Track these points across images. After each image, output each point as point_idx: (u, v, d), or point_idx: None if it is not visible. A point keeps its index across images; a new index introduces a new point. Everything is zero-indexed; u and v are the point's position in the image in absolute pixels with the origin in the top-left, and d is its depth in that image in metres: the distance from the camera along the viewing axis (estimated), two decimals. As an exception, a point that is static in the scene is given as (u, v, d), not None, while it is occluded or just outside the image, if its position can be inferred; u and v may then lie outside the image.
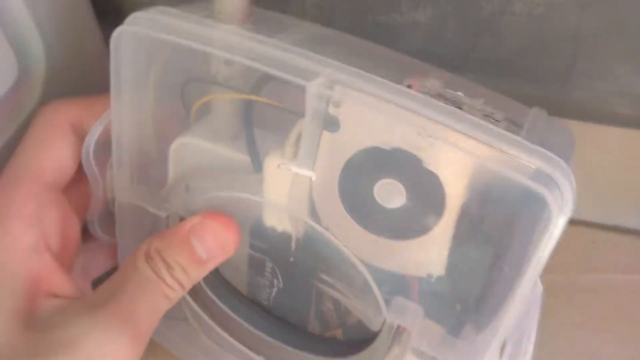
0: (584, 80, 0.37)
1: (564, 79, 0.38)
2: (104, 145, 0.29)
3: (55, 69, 0.30)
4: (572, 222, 0.41)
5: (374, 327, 0.26)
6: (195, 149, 0.28)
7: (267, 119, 0.27)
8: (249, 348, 0.30)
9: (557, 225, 0.20)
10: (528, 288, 0.21)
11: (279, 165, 0.24)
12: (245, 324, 0.30)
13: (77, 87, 0.31)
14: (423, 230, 0.24)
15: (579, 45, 0.36)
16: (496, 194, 0.21)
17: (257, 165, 0.27)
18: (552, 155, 0.20)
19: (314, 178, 0.24)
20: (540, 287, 0.23)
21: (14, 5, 0.28)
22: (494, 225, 0.21)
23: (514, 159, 0.20)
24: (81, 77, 0.33)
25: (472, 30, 0.37)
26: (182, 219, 0.29)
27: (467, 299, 0.24)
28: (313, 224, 0.25)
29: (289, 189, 0.24)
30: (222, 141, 0.28)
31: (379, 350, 0.26)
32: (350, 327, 0.29)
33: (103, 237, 0.31)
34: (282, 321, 0.30)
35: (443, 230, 0.23)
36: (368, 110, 0.22)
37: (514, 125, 0.21)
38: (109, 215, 0.31)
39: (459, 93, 0.23)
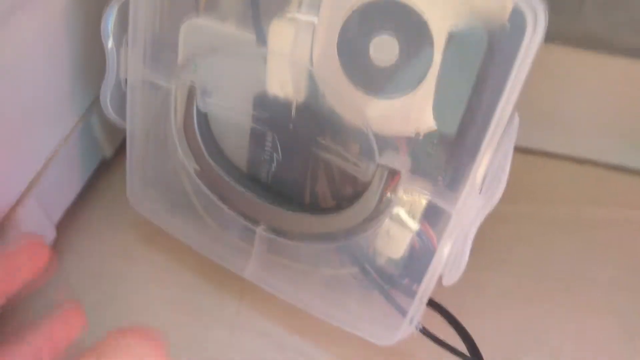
0: (597, 10, 0.38)
1: (576, 9, 0.39)
2: (120, 24, 0.31)
3: None
4: (579, 161, 0.44)
5: (366, 179, 0.29)
6: (204, 29, 0.31)
7: (271, 2, 0.30)
8: (250, 219, 0.32)
9: (531, 46, 0.22)
10: (507, 113, 0.24)
11: (282, 15, 0.26)
12: (248, 193, 0.32)
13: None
14: (414, 85, 0.27)
15: None
16: (479, 22, 0.24)
17: (262, 39, 0.29)
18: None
19: (315, 22, 0.26)
20: (517, 120, 0.25)
21: None
22: (475, 54, 0.24)
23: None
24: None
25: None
26: (190, 91, 0.31)
27: (451, 142, 0.26)
28: (313, 70, 0.27)
29: (293, 41, 0.27)
30: (229, 21, 0.30)
31: (371, 196, 0.28)
32: (342, 199, 0.31)
33: (114, 117, 0.33)
34: (280, 192, 0.32)
35: (431, 83, 0.26)
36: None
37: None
38: (120, 96, 0.33)
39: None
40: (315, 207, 0.32)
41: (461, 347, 0.31)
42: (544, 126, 0.44)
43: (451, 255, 0.28)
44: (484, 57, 0.24)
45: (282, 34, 0.28)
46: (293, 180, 0.32)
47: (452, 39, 0.24)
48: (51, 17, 0.31)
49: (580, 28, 0.40)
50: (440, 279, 0.29)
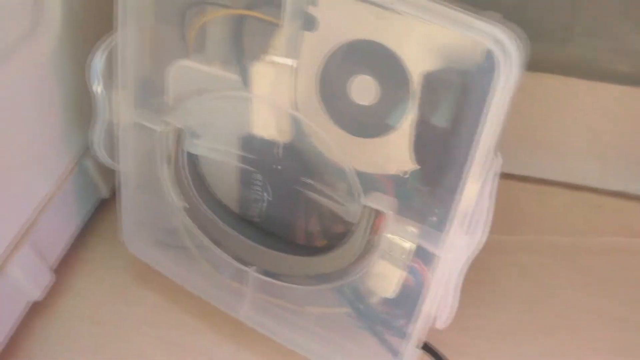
0: (584, 37, 0.38)
1: (563, 36, 0.39)
2: (109, 68, 0.32)
3: (72, 13, 0.33)
4: (577, 187, 0.43)
5: (353, 220, 0.28)
6: (191, 71, 0.31)
7: (255, 45, 0.30)
8: (241, 261, 0.32)
9: (506, 87, 0.22)
10: (486, 152, 0.23)
11: (264, 59, 0.27)
12: (238, 235, 0.32)
13: (91, 29, 0.34)
14: (394, 124, 0.26)
15: (578, 2, 0.37)
16: (453, 62, 0.23)
17: (247, 80, 0.29)
18: (500, 25, 0.22)
19: (294, 65, 0.26)
20: (500, 159, 0.25)
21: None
22: (451, 95, 0.24)
23: (468, 26, 0.22)
24: (94, 19, 0.35)
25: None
26: (179, 134, 0.31)
27: (435, 183, 0.26)
28: (294, 113, 0.27)
29: (274, 83, 0.27)
30: (215, 64, 0.31)
31: (358, 237, 0.28)
32: (333, 237, 0.31)
33: (107, 160, 0.34)
34: (271, 233, 0.32)
35: (412, 121, 0.26)
36: (342, 4, 0.25)
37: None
38: (111, 139, 0.33)
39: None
40: (306, 248, 0.31)
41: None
42: (538, 153, 0.43)
43: (443, 296, 0.27)
44: (460, 97, 0.23)
45: (263, 77, 0.28)
46: (284, 220, 0.32)
47: (428, 78, 0.24)
48: (39, 64, 0.32)
49: (570, 55, 0.39)
50: (434, 321, 0.28)
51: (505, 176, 0.26)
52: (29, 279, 0.33)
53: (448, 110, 0.24)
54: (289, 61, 0.27)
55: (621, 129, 0.41)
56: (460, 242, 0.25)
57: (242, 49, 0.30)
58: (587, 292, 0.37)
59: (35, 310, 0.35)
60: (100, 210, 0.41)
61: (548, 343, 0.35)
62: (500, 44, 0.22)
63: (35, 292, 0.34)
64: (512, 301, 0.37)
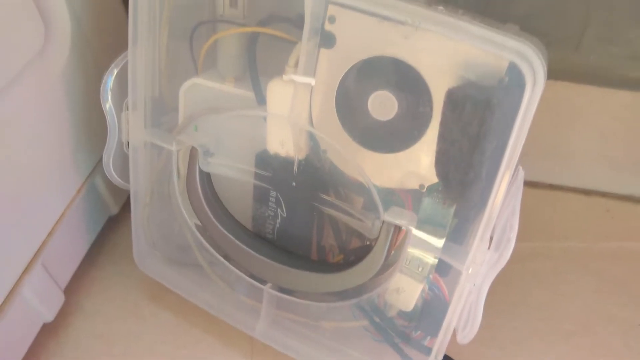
0: (596, 44, 0.39)
1: (576, 43, 0.39)
2: (120, 88, 0.31)
3: (80, 36, 0.33)
4: (587, 192, 0.43)
5: (372, 235, 0.28)
6: (203, 89, 0.31)
7: (268, 61, 0.30)
8: (256, 278, 0.32)
9: (532, 100, 0.22)
10: (512, 167, 0.23)
11: (282, 77, 0.26)
12: (253, 253, 0.31)
13: (101, 55, 0.34)
14: (414, 139, 0.26)
15: (591, 9, 0.38)
16: (476, 78, 0.23)
17: (261, 98, 0.29)
18: (523, 39, 0.22)
19: (313, 84, 0.26)
20: (522, 173, 0.25)
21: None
22: (475, 111, 0.24)
23: (491, 42, 0.22)
24: (103, 40, 0.35)
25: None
26: (192, 152, 0.31)
27: (456, 198, 0.26)
28: (312, 129, 0.27)
29: (291, 101, 0.27)
30: (228, 81, 0.31)
31: (378, 253, 0.28)
32: (349, 252, 0.31)
33: (117, 180, 0.33)
34: (286, 249, 0.32)
35: (431, 137, 0.26)
36: (360, 21, 0.25)
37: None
38: (123, 159, 0.33)
39: (440, 7, 0.26)
40: (321, 264, 0.31)
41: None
42: (549, 159, 0.43)
43: (464, 312, 0.27)
44: (484, 113, 0.23)
45: (280, 95, 0.28)
46: (298, 236, 0.32)
47: (450, 94, 0.24)
48: (49, 84, 0.31)
49: (582, 62, 0.40)
50: (454, 333, 0.28)
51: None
52: (41, 301, 0.32)
53: (471, 126, 0.24)
54: (306, 79, 0.27)
55: (632, 135, 0.41)
56: (482, 257, 0.25)
57: (255, 66, 0.30)
58: (600, 297, 0.38)
59: (47, 331, 0.35)
60: (109, 227, 0.40)
61: (563, 349, 0.35)
62: (526, 59, 0.22)
63: (48, 314, 0.34)
64: (526, 308, 0.37)
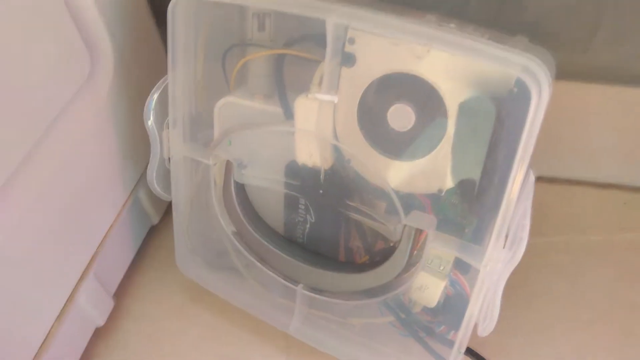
0: (607, 44, 0.40)
1: (587, 43, 0.40)
2: (161, 108, 0.34)
3: (122, 63, 0.36)
4: (604, 186, 0.45)
5: (395, 238, 0.30)
6: (236, 107, 0.34)
7: (294, 79, 0.32)
8: (289, 279, 0.34)
9: (538, 112, 0.24)
10: (522, 172, 0.25)
11: (307, 95, 0.29)
12: (285, 256, 0.34)
13: (141, 79, 0.37)
14: (431, 147, 0.29)
15: (601, 9, 0.39)
16: (487, 91, 0.25)
17: (288, 113, 0.32)
18: (528, 53, 0.24)
19: (335, 101, 0.29)
20: (532, 177, 0.27)
21: (87, 9, 0.33)
22: (486, 121, 0.26)
23: (498, 59, 0.24)
24: (141, 64, 0.38)
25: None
26: (227, 165, 0.34)
27: (472, 201, 0.28)
28: (337, 143, 0.30)
29: (316, 117, 0.29)
30: (257, 98, 0.33)
31: (401, 254, 0.30)
32: (374, 253, 0.33)
33: (160, 193, 0.36)
34: (316, 252, 0.34)
35: (447, 146, 0.28)
36: (378, 42, 0.27)
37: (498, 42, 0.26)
38: (164, 173, 0.36)
39: (452, 25, 0.28)
40: (351, 265, 0.34)
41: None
42: (565, 155, 0.45)
43: (483, 306, 0.29)
44: (494, 123, 0.26)
45: (306, 112, 0.30)
46: (327, 240, 0.34)
47: (463, 107, 0.26)
48: (97, 108, 0.35)
49: (594, 62, 0.41)
50: (475, 327, 0.30)
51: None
52: (93, 307, 0.36)
53: (484, 136, 0.26)
54: (329, 96, 0.29)
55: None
56: (498, 255, 0.27)
57: (283, 84, 0.32)
58: (621, 286, 0.39)
59: (98, 335, 0.38)
60: (151, 236, 0.43)
61: (583, 337, 0.36)
62: (531, 74, 0.24)
63: (99, 319, 0.37)
64: (547, 300, 0.38)
